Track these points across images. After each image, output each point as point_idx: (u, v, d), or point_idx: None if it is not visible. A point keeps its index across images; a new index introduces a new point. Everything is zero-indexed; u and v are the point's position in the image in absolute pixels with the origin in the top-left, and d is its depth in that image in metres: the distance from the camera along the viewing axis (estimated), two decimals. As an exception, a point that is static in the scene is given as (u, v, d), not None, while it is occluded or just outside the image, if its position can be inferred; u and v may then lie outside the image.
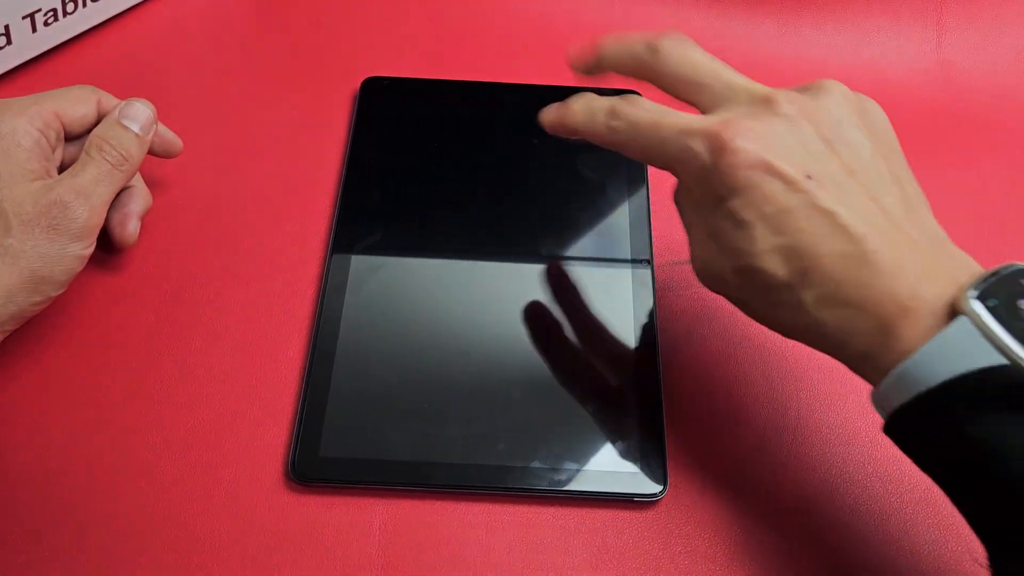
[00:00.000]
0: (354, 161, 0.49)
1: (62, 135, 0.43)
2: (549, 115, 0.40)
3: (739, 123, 0.34)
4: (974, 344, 0.30)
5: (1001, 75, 0.57)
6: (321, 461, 0.40)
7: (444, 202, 0.48)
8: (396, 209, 0.48)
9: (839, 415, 0.43)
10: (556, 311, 0.45)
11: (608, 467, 0.40)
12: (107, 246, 0.45)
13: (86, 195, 0.40)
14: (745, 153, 0.33)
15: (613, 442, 0.41)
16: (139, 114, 0.43)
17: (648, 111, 0.37)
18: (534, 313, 0.45)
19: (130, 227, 0.45)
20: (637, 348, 0.44)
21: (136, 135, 0.43)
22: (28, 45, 0.51)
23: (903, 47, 0.57)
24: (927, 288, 0.32)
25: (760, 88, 0.36)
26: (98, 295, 0.45)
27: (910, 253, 0.33)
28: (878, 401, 0.33)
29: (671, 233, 0.45)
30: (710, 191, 0.35)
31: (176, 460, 0.40)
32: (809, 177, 0.33)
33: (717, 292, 0.37)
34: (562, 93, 0.53)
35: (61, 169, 0.43)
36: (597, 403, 0.42)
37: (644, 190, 0.49)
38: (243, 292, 0.45)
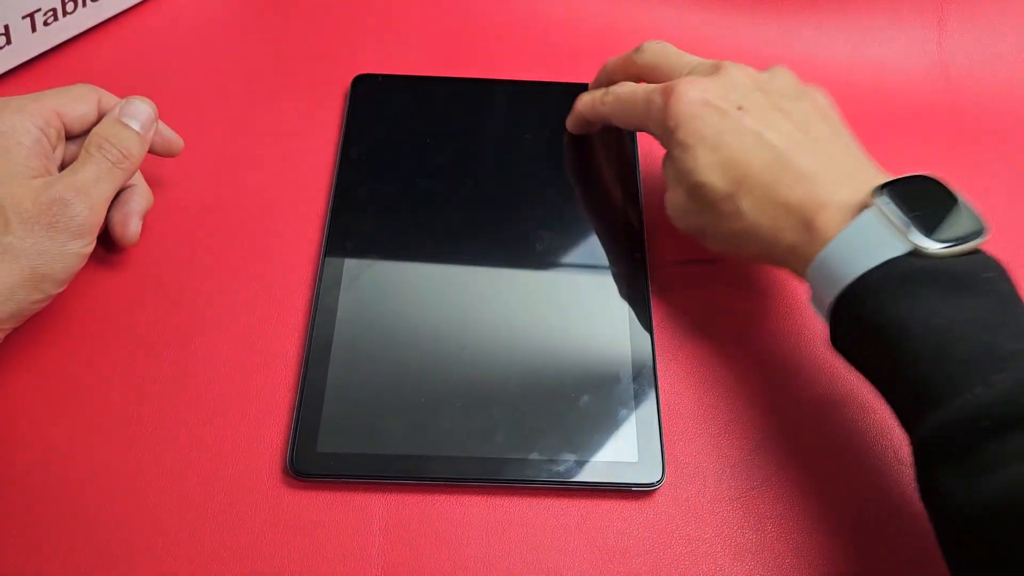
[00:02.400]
0: (346, 158, 0.49)
1: (62, 133, 0.43)
2: (570, 122, 0.51)
3: (686, 77, 0.43)
4: (879, 233, 0.36)
5: (1002, 74, 0.57)
6: (319, 456, 0.40)
7: (436, 197, 0.48)
8: (389, 206, 0.48)
9: (835, 411, 0.43)
10: (553, 305, 0.45)
11: (605, 458, 0.40)
12: (107, 245, 0.45)
13: (86, 192, 0.40)
14: (686, 93, 0.42)
15: (610, 433, 0.41)
16: (139, 112, 0.43)
17: (629, 87, 0.46)
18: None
19: (132, 226, 0.45)
20: (633, 339, 0.44)
21: (136, 133, 0.43)
22: (28, 45, 0.51)
23: (904, 47, 0.57)
24: (843, 190, 0.38)
25: (714, 61, 0.44)
26: (98, 294, 0.45)
27: (830, 166, 0.39)
28: (817, 303, 0.39)
29: (666, 229, 0.45)
30: (665, 130, 0.42)
31: (176, 458, 0.40)
32: (740, 108, 0.41)
33: (686, 230, 0.44)
34: (553, 89, 0.53)
35: (61, 168, 0.43)
36: (594, 394, 0.42)
37: (637, 186, 0.49)
38: (241, 289, 0.45)
